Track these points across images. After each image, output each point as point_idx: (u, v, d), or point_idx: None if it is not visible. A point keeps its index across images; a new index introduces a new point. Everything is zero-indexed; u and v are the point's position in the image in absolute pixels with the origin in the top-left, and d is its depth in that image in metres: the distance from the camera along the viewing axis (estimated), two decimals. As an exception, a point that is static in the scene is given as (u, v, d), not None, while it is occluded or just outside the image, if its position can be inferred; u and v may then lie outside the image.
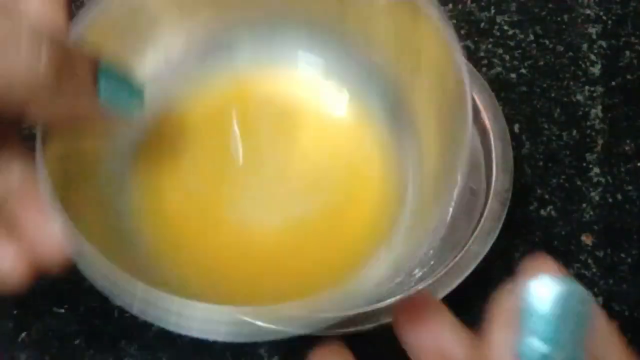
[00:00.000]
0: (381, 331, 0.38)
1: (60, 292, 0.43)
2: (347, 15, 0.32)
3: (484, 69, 0.53)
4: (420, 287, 0.39)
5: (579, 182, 0.49)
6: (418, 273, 0.43)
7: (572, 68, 0.53)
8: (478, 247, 0.40)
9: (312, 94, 0.34)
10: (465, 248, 0.40)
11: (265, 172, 0.33)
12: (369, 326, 0.38)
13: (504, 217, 0.41)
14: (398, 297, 0.39)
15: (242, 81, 0.34)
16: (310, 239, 0.31)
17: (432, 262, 0.42)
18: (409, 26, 0.30)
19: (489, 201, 0.41)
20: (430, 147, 0.31)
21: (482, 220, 0.41)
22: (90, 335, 0.43)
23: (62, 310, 0.43)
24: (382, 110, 0.33)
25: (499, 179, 0.42)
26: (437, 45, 0.29)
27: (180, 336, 0.43)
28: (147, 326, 0.43)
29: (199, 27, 0.33)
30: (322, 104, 0.34)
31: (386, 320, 0.38)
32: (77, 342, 0.43)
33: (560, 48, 0.54)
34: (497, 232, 0.40)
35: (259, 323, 0.25)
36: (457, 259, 0.40)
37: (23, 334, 0.43)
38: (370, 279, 0.27)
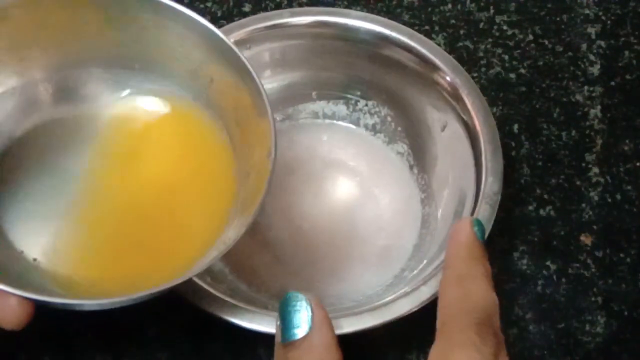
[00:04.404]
0: (371, 333, 0.38)
1: (60, 292, 0.43)
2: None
3: (483, 69, 0.53)
4: (409, 288, 0.39)
5: (578, 182, 0.49)
6: (408, 275, 0.43)
7: (572, 68, 0.53)
8: None
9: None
10: None
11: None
12: (361, 328, 0.38)
13: (493, 219, 0.41)
14: (388, 298, 0.39)
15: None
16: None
17: (424, 263, 0.43)
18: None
19: (479, 204, 0.41)
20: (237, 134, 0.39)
21: None
22: (90, 336, 0.43)
23: (62, 311, 0.43)
24: (201, 109, 0.41)
25: (489, 182, 0.42)
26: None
27: (179, 336, 0.43)
28: (146, 326, 0.43)
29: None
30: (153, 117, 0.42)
31: (377, 322, 0.38)
32: (77, 342, 0.43)
33: (560, 48, 0.54)
34: (487, 234, 0.40)
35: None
36: None
37: (24, 334, 0.43)
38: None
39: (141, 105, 0.41)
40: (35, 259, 0.37)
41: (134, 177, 0.40)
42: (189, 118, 0.41)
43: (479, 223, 0.37)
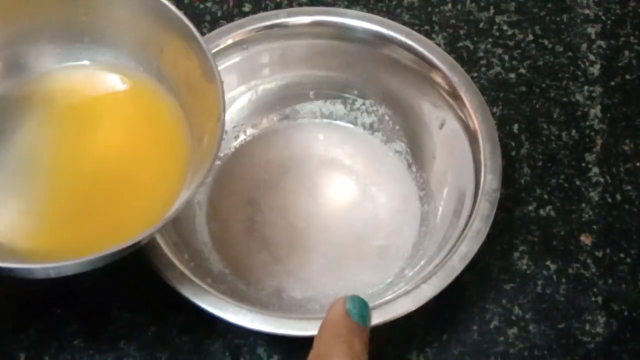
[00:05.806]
0: (372, 332, 0.38)
1: (60, 292, 0.43)
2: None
3: (483, 69, 0.53)
4: (410, 287, 0.39)
5: (578, 182, 0.49)
6: (408, 273, 0.43)
7: (571, 68, 0.53)
8: (467, 247, 0.40)
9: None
10: (455, 248, 0.40)
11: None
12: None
13: (492, 217, 0.41)
14: (388, 297, 0.39)
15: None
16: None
17: (422, 262, 0.43)
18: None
19: (478, 201, 0.41)
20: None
21: (472, 220, 0.41)
22: (89, 335, 0.43)
23: (62, 310, 0.44)
24: (153, 79, 0.42)
25: (488, 179, 0.42)
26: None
27: (179, 336, 0.43)
28: (146, 326, 0.43)
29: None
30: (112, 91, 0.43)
31: (378, 321, 0.38)
32: (76, 342, 0.43)
33: (560, 48, 0.54)
34: (486, 231, 0.40)
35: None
36: (446, 259, 0.40)
37: (23, 334, 0.43)
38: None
39: (93, 78, 0.42)
40: None
41: (88, 148, 0.41)
42: (141, 89, 0.42)
43: (354, 300, 0.37)
